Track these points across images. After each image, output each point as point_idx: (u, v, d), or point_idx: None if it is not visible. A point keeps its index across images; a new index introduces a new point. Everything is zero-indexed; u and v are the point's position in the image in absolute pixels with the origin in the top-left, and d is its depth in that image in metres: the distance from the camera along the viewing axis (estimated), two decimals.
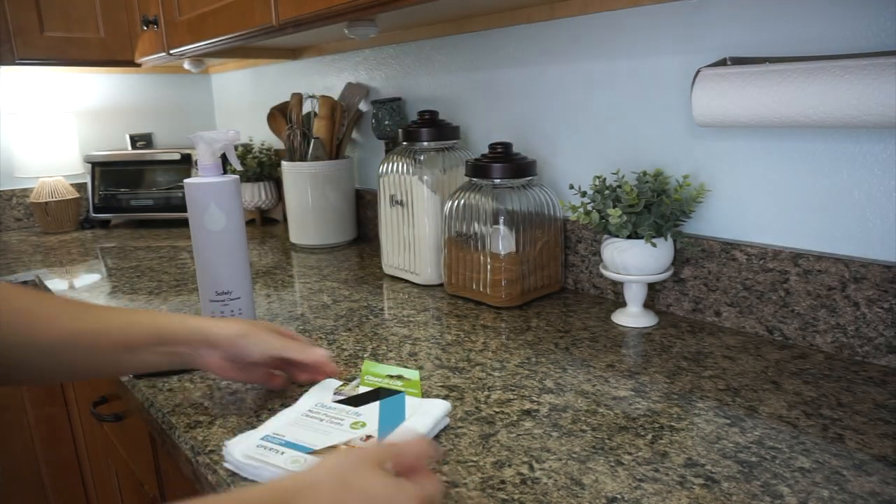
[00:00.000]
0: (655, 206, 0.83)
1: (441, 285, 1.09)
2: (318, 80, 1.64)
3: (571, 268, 1.05)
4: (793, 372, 0.71)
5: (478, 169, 0.96)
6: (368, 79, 1.46)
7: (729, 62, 0.78)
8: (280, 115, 1.50)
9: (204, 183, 0.78)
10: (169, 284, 1.16)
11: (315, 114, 1.42)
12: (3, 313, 0.55)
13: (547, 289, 1.01)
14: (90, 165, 1.77)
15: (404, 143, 1.10)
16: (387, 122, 1.33)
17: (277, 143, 1.80)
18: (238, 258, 0.81)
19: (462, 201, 0.98)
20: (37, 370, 0.57)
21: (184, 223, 1.79)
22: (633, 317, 0.88)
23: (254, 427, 0.61)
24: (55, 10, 1.55)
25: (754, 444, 0.57)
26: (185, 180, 0.79)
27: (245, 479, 0.54)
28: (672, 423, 0.61)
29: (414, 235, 1.08)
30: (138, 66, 1.69)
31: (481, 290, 0.97)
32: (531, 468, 0.54)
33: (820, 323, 0.77)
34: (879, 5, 0.68)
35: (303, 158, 1.41)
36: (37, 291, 0.59)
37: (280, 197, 1.76)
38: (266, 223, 1.76)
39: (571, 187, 0.96)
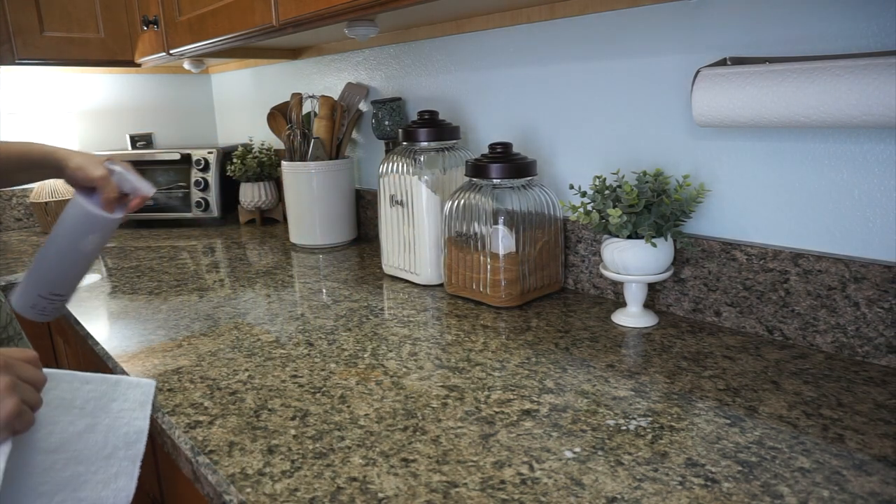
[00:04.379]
0: (655, 206, 0.83)
1: (441, 285, 1.09)
2: (318, 80, 1.64)
3: (571, 268, 1.05)
4: (793, 372, 0.71)
5: (478, 169, 0.96)
6: (368, 79, 1.46)
7: (729, 62, 0.78)
8: (280, 115, 1.50)
9: (100, 216, 0.76)
10: (169, 284, 1.16)
11: (315, 114, 1.42)
12: None
13: (547, 289, 1.01)
14: None
15: (404, 143, 1.10)
16: (387, 122, 1.33)
17: (277, 143, 1.80)
18: (85, 273, 0.82)
19: (462, 201, 0.98)
20: None
21: (184, 223, 1.79)
22: (633, 317, 0.88)
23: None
24: (55, 10, 1.55)
25: (754, 444, 0.57)
26: (78, 197, 0.76)
27: None
28: (672, 423, 0.61)
29: (414, 235, 1.08)
30: (138, 66, 1.69)
31: (481, 290, 0.97)
32: (531, 468, 0.54)
33: (820, 323, 0.77)
34: (879, 5, 0.68)
35: (303, 158, 1.41)
36: None
37: (280, 197, 1.76)
38: (266, 223, 1.76)
39: (571, 187, 0.96)
